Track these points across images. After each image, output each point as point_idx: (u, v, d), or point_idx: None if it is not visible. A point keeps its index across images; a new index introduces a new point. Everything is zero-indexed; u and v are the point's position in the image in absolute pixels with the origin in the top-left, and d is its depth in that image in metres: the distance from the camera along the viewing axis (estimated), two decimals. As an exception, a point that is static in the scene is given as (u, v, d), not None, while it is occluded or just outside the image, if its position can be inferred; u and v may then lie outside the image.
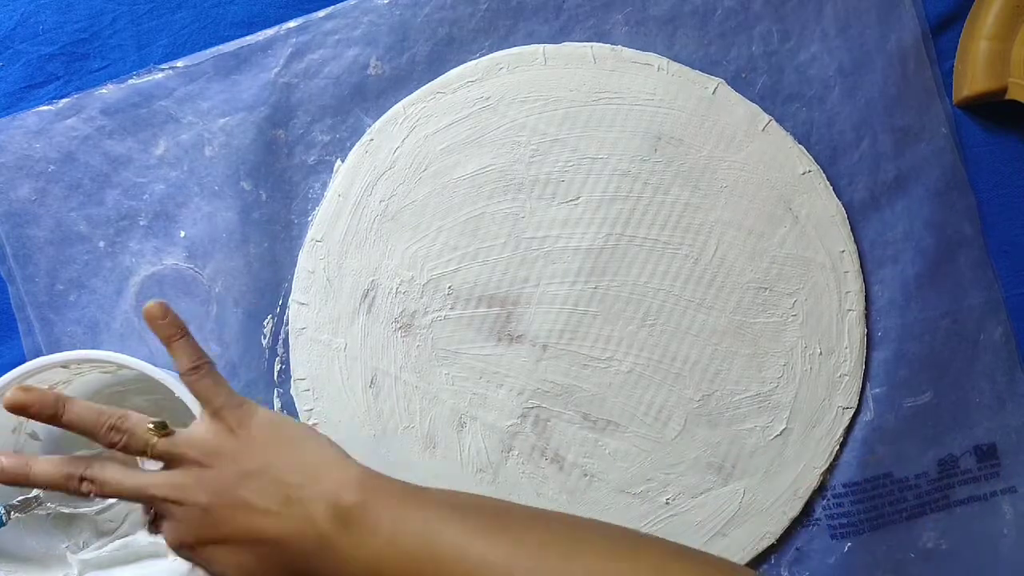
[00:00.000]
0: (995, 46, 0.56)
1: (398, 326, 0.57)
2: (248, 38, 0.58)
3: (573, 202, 0.57)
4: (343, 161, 0.58)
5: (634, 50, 0.57)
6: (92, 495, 0.45)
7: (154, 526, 0.47)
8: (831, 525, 0.57)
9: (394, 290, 0.57)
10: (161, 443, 0.45)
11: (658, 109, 0.57)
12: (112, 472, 0.45)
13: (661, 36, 0.58)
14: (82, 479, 0.45)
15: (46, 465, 0.45)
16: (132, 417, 0.45)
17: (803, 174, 0.57)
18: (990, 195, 0.59)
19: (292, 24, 0.58)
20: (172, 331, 0.46)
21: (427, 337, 0.57)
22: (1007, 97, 0.56)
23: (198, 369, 0.46)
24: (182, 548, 0.46)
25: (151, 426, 0.45)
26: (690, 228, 0.57)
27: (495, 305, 0.57)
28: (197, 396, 0.47)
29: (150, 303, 0.45)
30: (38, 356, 0.55)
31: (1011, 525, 0.58)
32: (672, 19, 0.58)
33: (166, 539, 0.46)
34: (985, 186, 0.59)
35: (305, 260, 0.58)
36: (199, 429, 0.46)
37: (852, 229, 0.58)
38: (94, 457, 0.46)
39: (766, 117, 0.57)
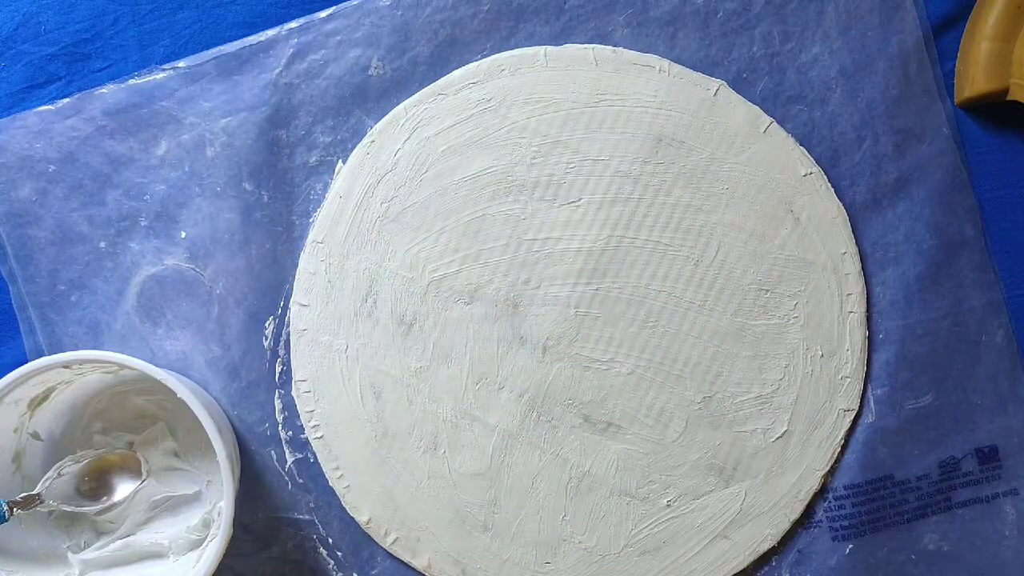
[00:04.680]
0: (997, 47, 0.56)
1: (400, 327, 0.57)
2: (249, 39, 0.58)
3: (574, 204, 0.57)
4: (344, 162, 0.58)
5: (635, 52, 0.57)
6: None
7: None
8: (832, 527, 0.57)
9: (396, 291, 0.57)
10: None
11: (659, 111, 0.57)
12: None
13: (662, 38, 0.58)
14: None
15: None
16: None
17: (804, 176, 0.57)
18: (992, 196, 0.59)
19: (293, 24, 0.58)
20: None
21: (428, 338, 0.57)
22: (1009, 98, 0.56)
23: None
24: None
25: None
26: (691, 230, 0.57)
27: (496, 307, 0.57)
28: None
29: None
30: (40, 356, 0.56)
31: (1013, 527, 0.57)
32: (673, 21, 0.58)
33: None
34: (987, 187, 0.59)
35: (306, 261, 0.58)
36: None
37: (853, 230, 0.57)
38: None
39: (767, 119, 0.57)
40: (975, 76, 0.56)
